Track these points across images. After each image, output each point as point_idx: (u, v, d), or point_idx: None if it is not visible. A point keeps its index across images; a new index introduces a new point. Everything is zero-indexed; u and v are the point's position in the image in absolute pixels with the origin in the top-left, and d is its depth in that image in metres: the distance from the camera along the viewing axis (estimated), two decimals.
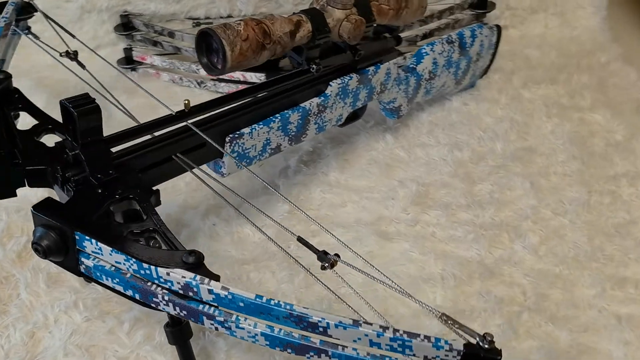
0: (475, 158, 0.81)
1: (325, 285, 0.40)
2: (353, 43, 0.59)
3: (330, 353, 0.34)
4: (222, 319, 0.34)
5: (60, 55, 0.68)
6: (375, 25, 0.64)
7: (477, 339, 0.32)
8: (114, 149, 0.49)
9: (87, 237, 0.38)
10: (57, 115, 0.94)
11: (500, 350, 0.32)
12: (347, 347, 0.34)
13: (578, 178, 0.77)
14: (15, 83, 0.99)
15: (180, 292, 0.35)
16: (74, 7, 1.05)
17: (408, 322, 0.59)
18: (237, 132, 0.54)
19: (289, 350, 0.35)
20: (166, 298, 0.35)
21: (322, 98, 0.62)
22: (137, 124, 0.52)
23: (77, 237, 0.39)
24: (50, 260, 0.42)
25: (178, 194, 0.75)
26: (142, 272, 0.35)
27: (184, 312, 0.35)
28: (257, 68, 0.89)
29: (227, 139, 0.54)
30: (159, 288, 0.35)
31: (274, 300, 0.33)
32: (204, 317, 0.35)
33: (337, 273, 0.41)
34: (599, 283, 0.62)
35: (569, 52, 1.12)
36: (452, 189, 0.75)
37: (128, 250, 0.36)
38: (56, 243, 0.40)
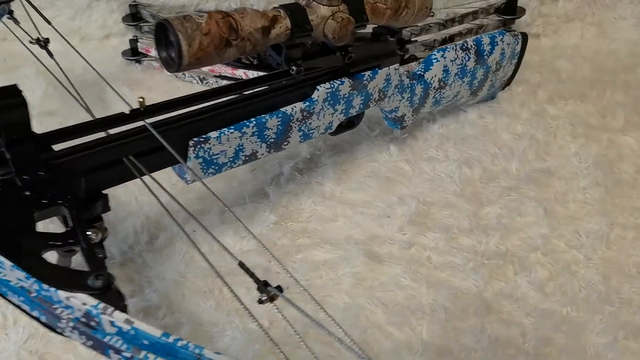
0: (486, 177, 0.74)
1: (256, 321, 0.35)
2: (340, 44, 0.53)
3: None
4: (129, 355, 0.29)
5: (30, 42, 0.65)
6: (376, 26, 0.59)
7: None
8: (57, 147, 0.45)
9: None
10: (53, 105, 0.92)
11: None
12: None
13: (600, 208, 0.70)
14: (21, 71, 0.98)
15: (83, 320, 0.30)
16: None
17: (388, 358, 0.53)
18: (203, 136, 0.49)
19: None
20: (71, 324, 0.31)
21: (307, 103, 0.56)
22: (83, 122, 0.47)
23: None
24: None
25: (161, 196, 0.72)
26: (43, 293, 0.31)
27: (90, 343, 0.31)
28: (261, 67, 0.84)
29: (191, 143, 0.49)
30: (64, 312, 0.31)
31: (182, 341, 0.28)
32: (111, 351, 0.30)
33: (276, 307, 0.36)
34: (612, 331, 0.55)
35: (604, 66, 1.03)
36: (455, 210, 0.69)
37: (29, 267, 0.32)
38: None
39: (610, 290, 0.59)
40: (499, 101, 0.89)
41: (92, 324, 0.30)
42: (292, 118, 0.55)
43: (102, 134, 0.47)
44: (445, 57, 0.71)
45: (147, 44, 0.97)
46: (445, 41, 0.91)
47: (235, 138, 0.51)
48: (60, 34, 0.66)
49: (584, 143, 0.81)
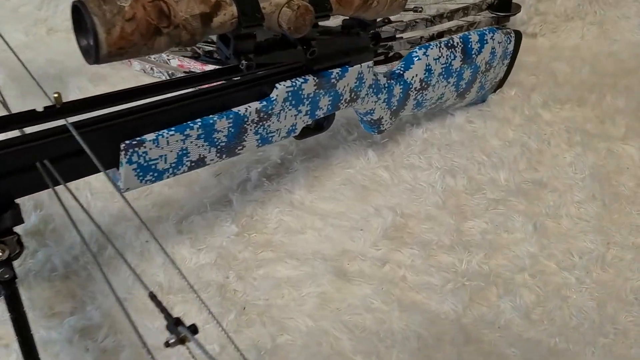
0: (471, 188, 0.68)
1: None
2: (297, 36, 0.46)
3: None
4: None
5: None
6: (346, 18, 0.52)
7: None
8: None
9: None
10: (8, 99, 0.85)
11: None
12: None
13: (595, 224, 0.64)
14: None
15: None
16: None
17: None
18: (137, 139, 0.43)
19: None
20: None
21: (265, 103, 0.50)
22: None
23: None
24: None
25: (115, 201, 0.66)
26: None
27: None
28: None
29: (123, 146, 0.42)
30: None
31: None
32: None
33: (189, 350, 0.30)
34: None
35: (605, 69, 0.97)
36: (436, 224, 0.63)
37: None
38: None
39: (604, 319, 0.53)
40: (489, 105, 0.83)
41: None
42: (246, 119, 0.48)
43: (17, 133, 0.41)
44: (427, 55, 0.64)
45: None
46: (432, 38, 0.85)
47: (177, 141, 0.45)
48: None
49: (581, 152, 0.75)
